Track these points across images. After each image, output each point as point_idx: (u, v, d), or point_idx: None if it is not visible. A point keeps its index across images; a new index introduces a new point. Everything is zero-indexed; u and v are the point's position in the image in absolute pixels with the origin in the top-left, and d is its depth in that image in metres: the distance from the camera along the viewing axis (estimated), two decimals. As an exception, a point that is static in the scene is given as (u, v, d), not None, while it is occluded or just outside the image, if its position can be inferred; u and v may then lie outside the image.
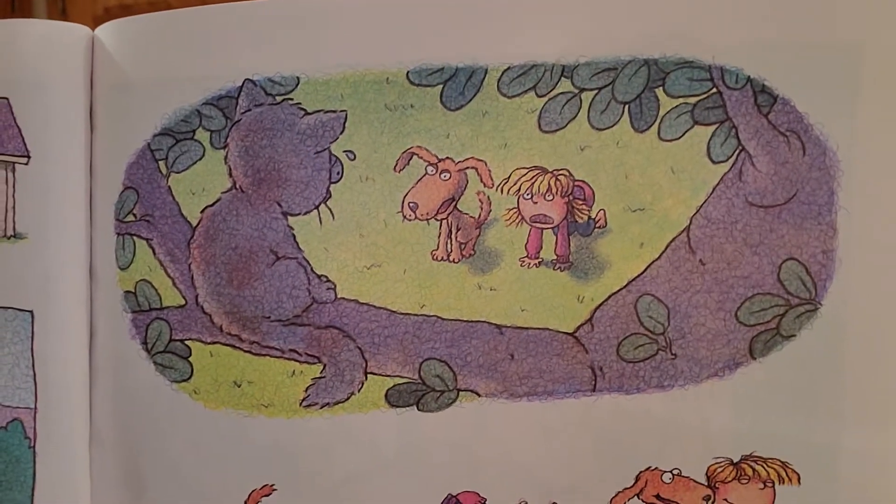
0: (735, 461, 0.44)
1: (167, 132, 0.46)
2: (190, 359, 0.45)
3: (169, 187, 0.46)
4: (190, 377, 0.45)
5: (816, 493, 0.42)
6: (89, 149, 0.47)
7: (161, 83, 0.46)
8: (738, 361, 0.42)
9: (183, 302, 0.46)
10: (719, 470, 0.44)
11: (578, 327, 0.44)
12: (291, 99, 0.45)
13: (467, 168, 0.45)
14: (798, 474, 0.43)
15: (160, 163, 0.46)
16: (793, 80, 0.41)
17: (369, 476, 0.45)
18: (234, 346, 0.45)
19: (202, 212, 0.46)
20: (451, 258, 0.45)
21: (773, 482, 0.44)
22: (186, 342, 0.45)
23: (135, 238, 0.46)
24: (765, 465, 0.44)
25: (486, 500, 0.45)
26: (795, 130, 0.42)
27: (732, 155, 0.42)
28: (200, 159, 0.46)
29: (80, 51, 0.46)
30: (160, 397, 0.45)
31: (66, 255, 0.46)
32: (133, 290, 0.46)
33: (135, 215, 0.46)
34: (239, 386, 0.45)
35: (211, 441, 0.45)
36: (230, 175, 0.46)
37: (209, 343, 0.45)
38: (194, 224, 0.46)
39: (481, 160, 0.44)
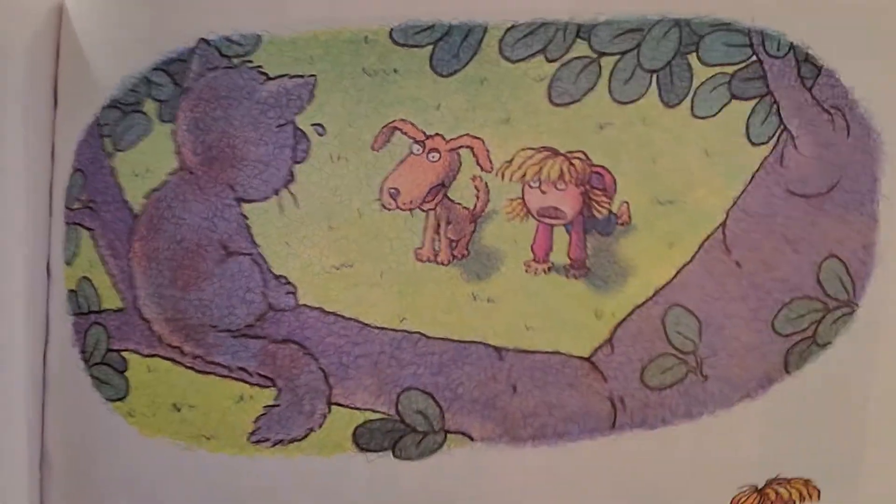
0: (760, 487, 0.42)
1: (115, 104, 0.42)
2: (126, 374, 0.41)
3: (112, 168, 0.42)
4: (125, 396, 0.41)
5: None
6: (52, 127, 0.44)
7: (114, 48, 0.42)
8: (771, 378, 0.41)
9: (121, 305, 0.42)
10: (744, 498, 0.42)
11: (596, 350, 0.41)
12: (251, 62, 0.41)
13: (461, 147, 0.41)
14: (818, 490, 0.42)
15: (105, 140, 0.42)
16: (838, 49, 0.40)
17: None
18: (174, 361, 0.41)
19: (146, 197, 0.42)
20: (438, 259, 0.41)
21: (795, 501, 0.42)
22: (123, 353, 0.41)
23: (79, 228, 0.42)
24: (788, 487, 0.42)
25: None
26: (840, 107, 0.40)
27: (774, 135, 0.41)
28: (146, 135, 0.42)
29: (47, 18, 0.43)
30: (96, 417, 0.41)
31: (16, 250, 0.42)
32: (75, 289, 0.42)
33: (80, 201, 0.42)
34: (179, 410, 0.41)
35: (144, 476, 0.41)
36: (178, 153, 0.41)
37: (147, 356, 0.41)
38: (137, 212, 0.42)
39: (478, 138, 0.41)
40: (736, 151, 0.40)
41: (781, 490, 0.42)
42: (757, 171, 0.40)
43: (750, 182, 0.40)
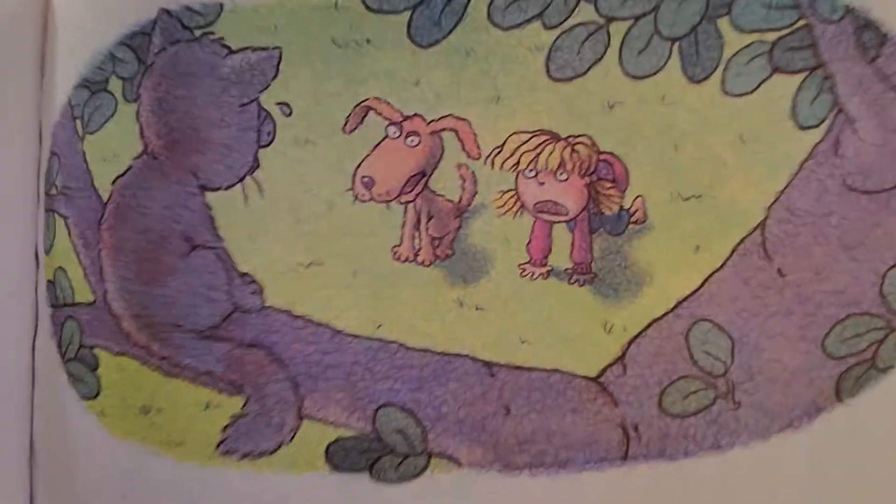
0: None
1: (84, 83, 0.41)
2: (98, 371, 0.41)
3: (83, 152, 0.41)
4: (97, 394, 0.40)
5: None
6: (38, 105, 0.43)
7: (83, 23, 0.41)
8: (819, 406, 0.37)
9: (92, 299, 0.41)
10: None
11: (605, 369, 0.38)
12: (213, 32, 0.39)
13: (443, 130, 0.39)
14: None
15: (77, 122, 0.41)
16: None
17: None
18: (143, 361, 0.40)
19: (113, 184, 0.41)
20: (419, 259, 0.39)
21: None
22: (95, 350, 0.41)
23: (55, 216, 0.42)
24: None
25: None
26: None
27: (827, 117, 0.37)
28: (112, 116, 0.41)
29: None
30: (71, 414, 0.41)
31: (4, 237, 0.43)
32: (53, 280, 0.42)
33: (56, 187, 0.42)
34: (147, 413, 0.39)
35: (114, 481, 0.40)
36: (141, 136, 0.40)
37: (117, 354, 0.40)
38: (105, 199, 0.41)
39: (463, 119, 0.38)
40: (779, 137, 0.37)
41: None
42: (806, 160, 0.37)
43: (797, 174, 0.37)
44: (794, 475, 0.38)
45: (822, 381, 0.37)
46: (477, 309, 0.37)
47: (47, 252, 0.42)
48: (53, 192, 0.41)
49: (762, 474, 0.38)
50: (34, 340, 0.43)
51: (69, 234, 0.41)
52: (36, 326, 0.43)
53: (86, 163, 0.41)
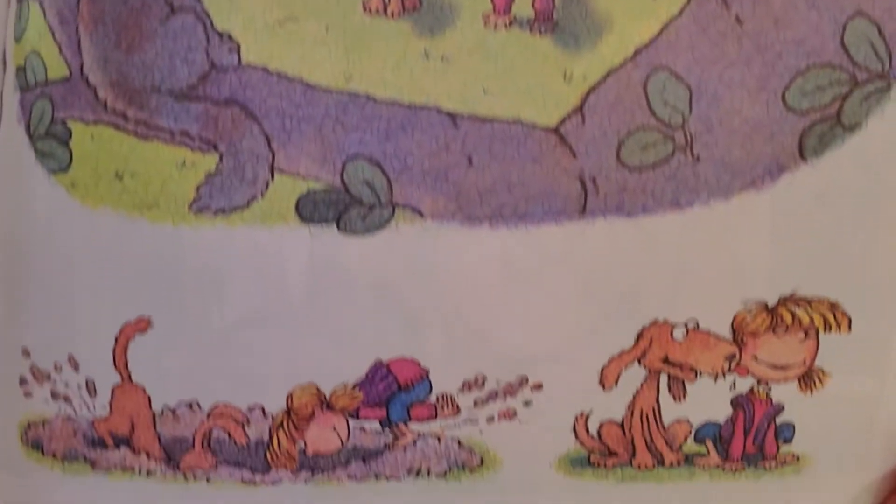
0: (770, 305, 0.37)
1: None
2: (70, 143, 0.39)
3: None
4: (68, 166, 0.38)
5: (869, 343, 0.37)
6: None
7: None
8: (782, 164, 0.35)
9: (67, 73, 0.39)
10: (749, 319, 0.37)
11: (564, 119, 0.36)
12: None
13: None
14: (849, 318, 0.37)
15: None
16: None
17: (269, 318, 0.38)
18: (118, 127, 0.38)
19: None
20: (388, 12, 0.36)
21: (818, 329, 0.37)
22: (68, 123, 0.39)
23: (28, 2, 0.39)
24: (808, 309, 0.37)
25: (427, 371, 0.38)
26: None
27: None
28: None
29: None
30: (38, 191, 0.39)
31: None
32: (23, 65, 0.40)
33: None
34: (121, 179, 0.38)
35: (85, 250, 0.39)
36: None
37: (91, 123, 0.38)
38: None
39: None
40: None
41: (800, 312, 0.36)
42: None
43: None
44: (754, 236, 0.36)
45: (785, 137, 0.35)
46: (442, 60, 0.36)
47: (18, 40, 0.40)
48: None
49: (722, 234, 0.36)
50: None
51: (44, 16, 0.39)
52: None
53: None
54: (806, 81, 0.35)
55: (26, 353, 0.39)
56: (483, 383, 0.37)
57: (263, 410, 0.38)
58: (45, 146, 0.39)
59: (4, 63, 0.41)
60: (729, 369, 0.37)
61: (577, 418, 0.38)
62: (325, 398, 0.38)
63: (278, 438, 0.38)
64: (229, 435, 0.39)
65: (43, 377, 0.40)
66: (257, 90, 0.37)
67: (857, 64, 0.34)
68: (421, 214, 0.36)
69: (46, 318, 0.39)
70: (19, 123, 0.39)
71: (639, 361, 0.37)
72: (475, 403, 0.38)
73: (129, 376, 0.38)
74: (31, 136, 0.39)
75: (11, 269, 0.40)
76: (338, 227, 0.37)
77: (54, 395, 0.40)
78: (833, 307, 0.36)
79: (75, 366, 0.39)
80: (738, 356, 0.37)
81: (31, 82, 0.39)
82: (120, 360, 0.38)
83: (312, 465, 0.39)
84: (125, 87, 0.38)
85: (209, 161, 0.37)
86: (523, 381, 0.37)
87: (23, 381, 0.40)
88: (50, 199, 0.39)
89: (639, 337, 0.37)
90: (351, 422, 0.38)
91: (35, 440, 0.41)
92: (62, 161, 0.39)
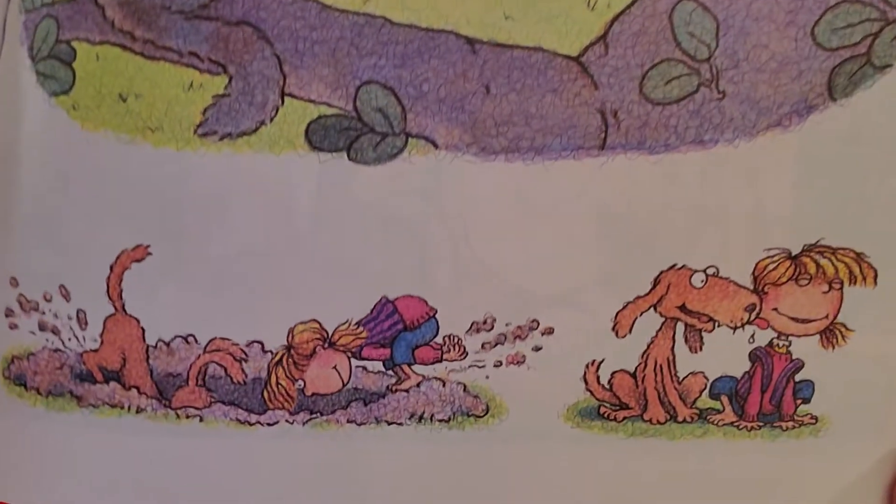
0: (794, 254, 0.35)
1: None
2: (73, 65, 0.37)
3: None
4: (71, 88, 0.37)
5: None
6: None
7: None
8: (811, 104, 0.34)
9: None
10: (771, 267, 0.35)
11: (587, 48, 0.34)
12: None
13: None
14: (875, 271, 0.35)
15: None
16: None
17: (273, 250, 0.36)
18: (124, 47, 0.37)
19: None
20: None
21: (842, 282, 0.35)
22: (72, 43, 0.37)
23: None
24: (833, 259, 0.35)
25: (435, 311, 0.36)
26: None
27: None
28: None
29: None
30: (37, 113, 0.37)
31: None
32: None
33: None
34: (125, 100, 0.36)
35: (82, 175, 0.37)
36: None
37: (97, 43, 0.37)
38: None
39: None
40: None
41: (824, 262, 0.35)
42: None
43: None
44: (779, 180, 0.35)
45: (813, 75, 0.34)
46: (462, -18, 0.34)
47: None
48: None
49: (746, 176, 0.35)
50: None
51: None
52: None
53: None
54: (836, 17, 0.33)
55: (14, 282, 0.38)
56: (492, 325, 0.36)
57: (262, 346, 0.37)
58: (47, 67, 0.38)
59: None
60: (748, 321, 0.35)
61: (588, 366, 0.36)
62: (327, 335, 0.36)
63: (277, 376, 0.37)
64: (226, 371, 0.37)
65: (31, 308, 0.38)
66: (270, 10, 0.35)
67: (889, 1, 0.33)
68: (435, 145, 0.35)
69: (38, 246, 0.38)
70: (22, 45, 0.38)
71: (655, 308, 0.35)
72: (483, 346, 0.36)
73: (123, 307, 0.37)
74: (33, 58, 0.38)
75: (3, 195, 0.38)
76: (348, 155, 0.35)
77: (42, 327, 0.38)
78: (859, 258, 0.35)
79: (66, 295, 0.37)
80: (758, 307, 0.35)
81: (38, 2, 0.38)
82: (114, 290, 0.37)
83: (311, 405, 0.37)
84: (134, 5, 0.36)
85: (218, 83, 0.36)
86: (533, 324, 0.36)
87: (9, 313, 0.38)
88: (48, 122, 0.37)
89: (656, 282, 0.35)
90: (353, 361, 0.37)
91: (18, 374, 0.39)
92: (64, 83, 0.37)
